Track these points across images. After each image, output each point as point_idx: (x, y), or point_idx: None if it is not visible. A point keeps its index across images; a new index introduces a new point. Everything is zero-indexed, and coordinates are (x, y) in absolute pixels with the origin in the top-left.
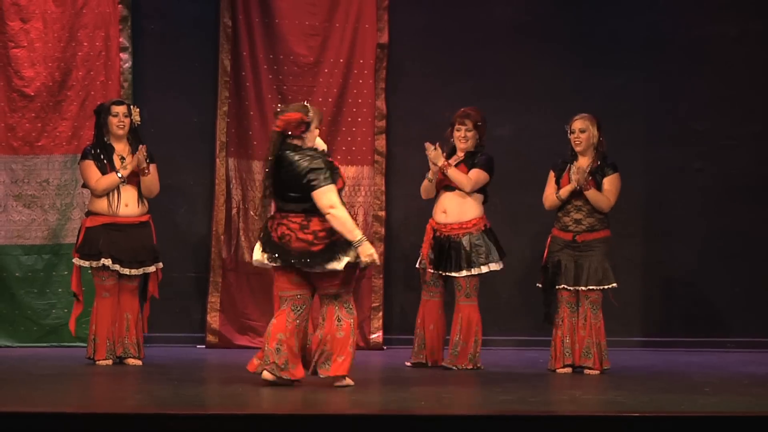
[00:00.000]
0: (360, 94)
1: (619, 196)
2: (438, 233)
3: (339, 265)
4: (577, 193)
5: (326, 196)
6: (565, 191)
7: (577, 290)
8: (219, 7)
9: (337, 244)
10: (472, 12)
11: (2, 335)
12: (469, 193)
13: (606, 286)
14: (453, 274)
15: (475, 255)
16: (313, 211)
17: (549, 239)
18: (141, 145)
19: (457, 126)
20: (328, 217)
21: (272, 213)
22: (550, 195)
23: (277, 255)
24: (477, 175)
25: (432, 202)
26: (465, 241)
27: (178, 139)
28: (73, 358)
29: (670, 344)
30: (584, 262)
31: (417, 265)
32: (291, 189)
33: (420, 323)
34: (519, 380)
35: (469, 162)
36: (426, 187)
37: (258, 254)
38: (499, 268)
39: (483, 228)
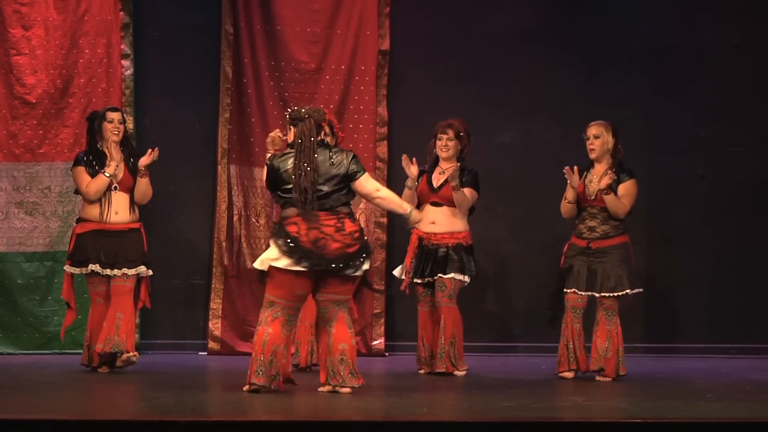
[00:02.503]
0: (361, 101)
1: (635, 202)
2: (425, 242)
3: (367, 267)
4: (592, 199)
5: (369, 182)
6: (570, 193)
7: (592, 296)
8: (221, 14)
9: (366, 246)
10: (474, 18)
11: (4, 342)
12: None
13: (619, 293)
14: (441, 275)
15: (464, 262)
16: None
17: (567, 246)
18: (154, 148)
19: (438, 135)
20: (377, 201)
21: (292, 217)
22: (563, 202)
23: (307, 259)
24: (472, 195)
25: None
26: (453, 249)
27: (179, 145)
28: (75, 365)
29: (673, 350)
30: (598, 268)
31: (400, 275)
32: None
33: (421, 335)
34: (521, 387)
35: (460, 180)
36: (407, 196)
37: (282, 261)
38: (467, 282)
39: (471, 242)
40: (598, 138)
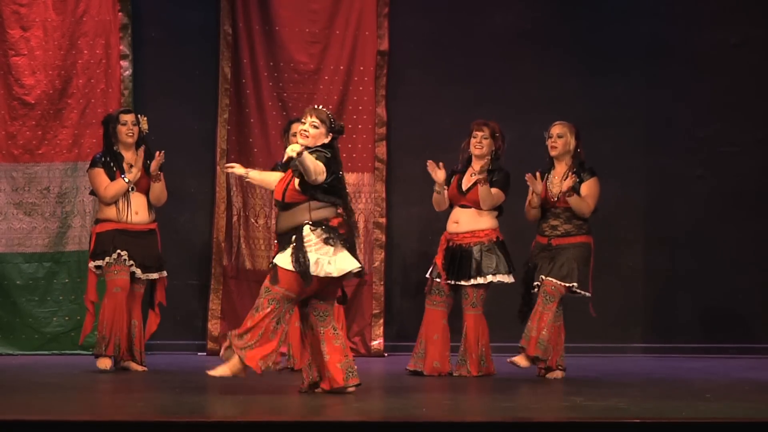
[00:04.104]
0: (360, 101)
1: (598, 199)
2: (451, 243)
3: None
4: (555, 201)
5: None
6: (534, 199)
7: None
8: (219, 14)
9: None
10: (472, 19)
11: (3, 343)
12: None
13: (568, 284)
14: (462, 282)
15: (484, 265)
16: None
17: (533, 245)
18: (159, 151)
19: (474, 132)
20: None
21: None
22: (527, 206)
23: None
24: (497, 195)
25: (442, 213)
26: (476, 250)
27: (178, 146)
28: (75, 365)
29: (672, 350)
30: (557, 260)
31: (428, 274)
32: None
33: (422, 332)
34: (521, 387)
35: (489, 179)
36: (437, 199)
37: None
38: (508, 281)
39: (495, 239)
40: (561, 138)
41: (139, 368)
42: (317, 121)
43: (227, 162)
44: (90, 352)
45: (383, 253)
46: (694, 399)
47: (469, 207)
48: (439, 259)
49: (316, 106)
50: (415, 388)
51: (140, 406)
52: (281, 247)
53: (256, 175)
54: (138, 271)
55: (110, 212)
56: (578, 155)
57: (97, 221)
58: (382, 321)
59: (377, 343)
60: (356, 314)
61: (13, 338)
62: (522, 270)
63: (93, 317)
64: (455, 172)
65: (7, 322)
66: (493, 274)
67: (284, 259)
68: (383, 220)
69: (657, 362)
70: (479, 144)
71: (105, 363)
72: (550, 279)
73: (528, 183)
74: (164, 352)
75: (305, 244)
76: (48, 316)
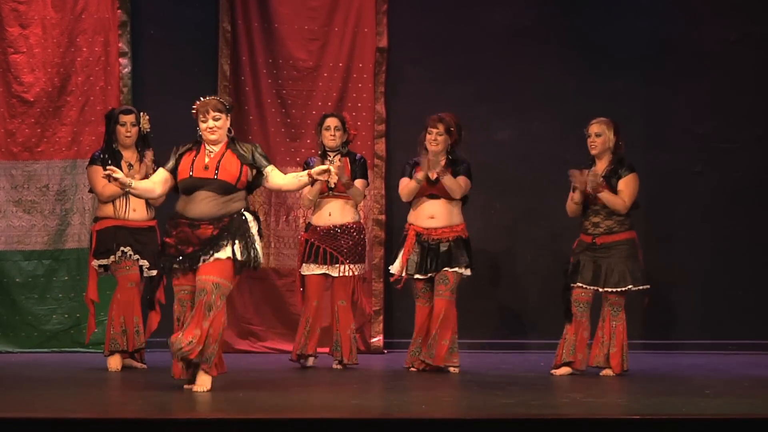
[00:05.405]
0: (359, 98)
1: (636, 196)
2: (424, 237)
3: None
4: (594, 196)
5: None
6: (576, 194)
7: (596, 291)
8: (218, 12)
9: None
10: (471, 15)
11: (3, 341)
12: (457, 200)
13: (622, 288)
14: (446, 269)
15: (455, 256)
16: None
17: (576, 243)
18: (147, 151)
19: (429, 129)
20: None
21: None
22: (569, 202)
23: None
24: (466, 183)
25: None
26: (454, 243)
27: (177, 143)
28: (74, 363)
29: (672, 347)
30: (603, 263)
31: (393, 270)
32: None
33: (418, 330)
34: (520, 383)
35: (453, 170)
36: (412, 190)
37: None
38: (468, 274)
39: (466, 237)
40: (600, 136)
41: (139, 366)
42: (217, 113)
43: None
44: (93, 350)
45: (383, 250)
46: (694, 395)
47: (439, 197)
48: (405, 256)
49: (204, 98)
50: (415, 385)
51: (140, 403)
52: (219, 237)
53: (140, 185)
54: (146, 263)
55: (108, 209)
56: (618, 151)
57: (96, 219)
58: (381, 318)
59: (377, 340)
60: (356, 311)
61: (12, 336)
62: (561, 268)
63: (95, 315)
64: (417, 163)
65: (7, 319)
66: (464, 267)
67: (234, 251)
68: (383, 217)
69: (657, 358)
70: (435, 141)
71: (116, 363)
72: (612, 291)
73: (571, 179)
74: (164, 350)
75: (252, 232)
76: (47, 313)
